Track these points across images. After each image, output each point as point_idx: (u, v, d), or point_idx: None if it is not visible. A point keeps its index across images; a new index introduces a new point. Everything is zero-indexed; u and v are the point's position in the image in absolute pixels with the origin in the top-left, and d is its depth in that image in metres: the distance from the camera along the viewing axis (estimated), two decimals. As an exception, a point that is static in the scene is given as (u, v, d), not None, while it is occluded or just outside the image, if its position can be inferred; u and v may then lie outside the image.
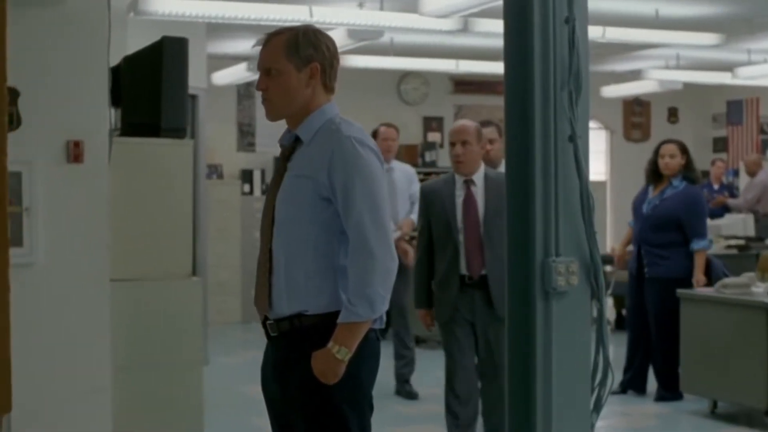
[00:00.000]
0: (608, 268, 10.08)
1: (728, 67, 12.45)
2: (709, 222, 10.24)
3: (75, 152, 4.60)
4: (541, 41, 2.57)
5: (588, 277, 2.67)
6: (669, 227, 7.24)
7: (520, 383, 2.69)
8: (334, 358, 3.02)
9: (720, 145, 15.64)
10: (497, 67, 10.55)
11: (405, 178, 7.71)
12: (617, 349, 7.94)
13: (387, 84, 13.65)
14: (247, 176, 12.39)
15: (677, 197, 7.28)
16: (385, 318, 3.18)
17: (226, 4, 7.69)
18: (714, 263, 7.52)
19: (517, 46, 2.62)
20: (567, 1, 2.58)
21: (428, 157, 13.47)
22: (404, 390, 7.53)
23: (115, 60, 5.02)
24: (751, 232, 11.18)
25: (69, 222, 4.62)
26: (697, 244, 7.21)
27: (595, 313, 2.71)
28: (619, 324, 10.71)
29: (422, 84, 13.97)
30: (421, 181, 7.47)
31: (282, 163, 3.21)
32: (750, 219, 11.54)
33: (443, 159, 12.85)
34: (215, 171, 12.39)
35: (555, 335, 2.63)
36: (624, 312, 10.78)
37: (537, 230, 2.60)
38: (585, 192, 2.63)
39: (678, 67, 12.78)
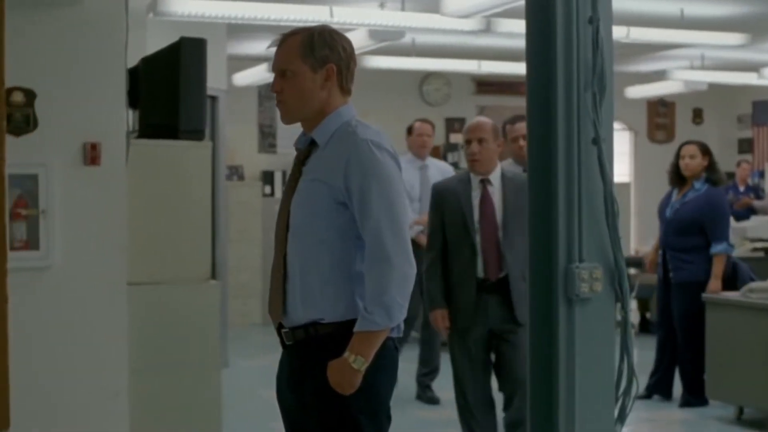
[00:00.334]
0: (632, 270, 10.02)
1: (754, 67, 12.35)
2: (735, 224, 10.15)
3: (92, 154, 4.57)
4: (564, 42, 2.53)
5: (612, 284, 2.63)
6: (691, 231, 7.15)
7: (542, 392, 2.66)
8: (351, 368, 2.95)
9: (745, 146, 15.51)
10: (520, 68, 10.46)
11: (441, 174, 7.49)
12: (640, 353, 7.84)
13: (409, 85, 13.59)
14: (268, 178, 12.36)
15: (699, 200, 7.19)
16: (403, 326, 3.10)
17: (246, 4, 7.64)
18: (740, 267, 7.41)
19: (540, 46, 2.58)
20: (591, 0, 2.53)
21: (450, 158, 13.40)
22: (425, 395, 7.46)
23: (134, 61, 4.98)
24: (778, 234, 11.05)
25: (86, 225, 4.59)
26: (715, 248, 7.10)
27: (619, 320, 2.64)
28: (643, 327, 10.63)
29: (444, 85, 13.91)
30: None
31: (297, 167, 3.14)
32: (776, 221, 11.41)
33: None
34: (236, 172, 12.36)
35: (578, 343, 2.59)
36: (648, 315, 10.74)
37: (560, 235, 2.56)
38: (609, 196, 2.60)
39: (703, 68, 12.68)
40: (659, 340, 7.56)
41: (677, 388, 7.42)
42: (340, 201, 3.01)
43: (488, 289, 5.08)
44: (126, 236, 4.64)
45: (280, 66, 3.11)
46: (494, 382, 5.28)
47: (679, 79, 12.44)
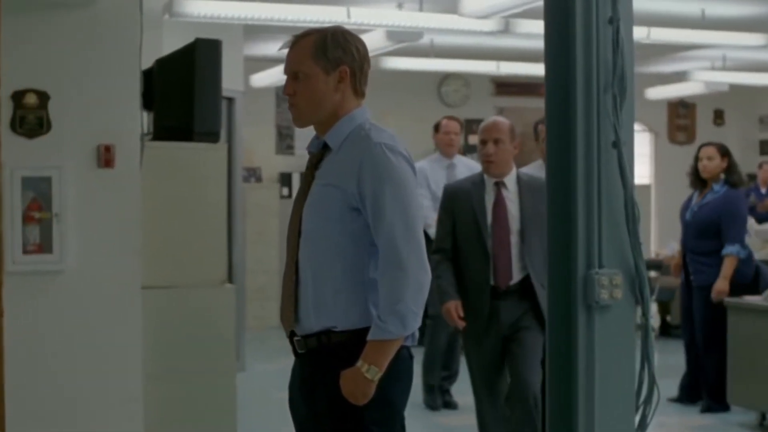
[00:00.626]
0: (652, 273, 9.95)
1: (776, 68, 12.26)
2: (757, 227, 10.07)
3: (106, 157, 4.56)
4: (583, 43, 2.48)
5: (633, 290, 2.58)
6: (710, 234, 7.08)
7: (561, 401, 2.62)
8: (364, 377, 2.88)
9: (767, 147, 15.40)
10: (539, 69, 10.41)
11: (469, 173, 7.35)
12: (661, 356, 7.77)
13: (427, 86, 13.54)
14: (285, 179, 12.34)
15: (716, 202, 7.12)
16: (417, 335, 3.04)
17: (262, 5, 7.60)
18: (762, 270, 7.33)
19: (559, 47, 2.54)
20: (611, 0, 2.49)
21: (468, 160, 13.35)
22: (443, 400, 7.39)
23: (150, 62, 4.95)
24: (801, 237, 10.95)
25: (100, 228, 4.57)
26: (726, 249, 7.02)
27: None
28: (664, 330, 10.56)
29: (463, 86, 13.86)
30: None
31: (309, 171, 3.08)
32: (800, 223, 11.31)
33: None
34: (253, 174, 12.34)
35: (598, 351, 2.54)
36: (669, 318, 10.67)
37: (579, 241, 2.52)
38: (630, 201, 2.55)
39: (724, 68, 12.60)
40: (685, 345, 7.49)
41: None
42: (353, 206, 2.95)
43: (499, 296, 4.87)
44: (140, 239, 4.62)
45: (292, 68, 3.05)
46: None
47: (700, 80, 12.37)
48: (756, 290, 7.04)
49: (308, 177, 3.08)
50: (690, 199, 7.37)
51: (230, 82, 7.73)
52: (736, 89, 13.33)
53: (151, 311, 4.69)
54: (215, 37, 5.00)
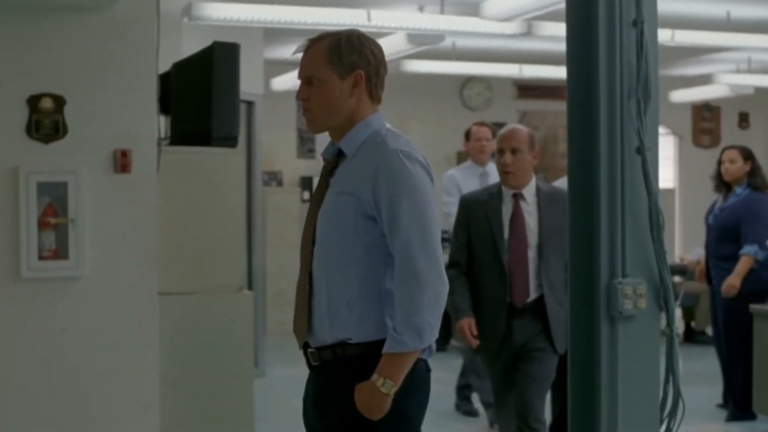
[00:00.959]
0: (676, 278, 9.86)
1: (802, 70, 12.17)
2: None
3: (122, 162, 4.52)
4: (606, 46, 2.45)
5: (657, 300, 2.55)
6: (730, 238, 7.00)
7: (583, 414, 2.60)
8: (379, 391, 2.81)
9: (793, 151, 15.27)
10: (563, 72, 10.35)
11: None
12: (685, 363, 7.69)
13: (449, 89, 13.48)
14: (306, 183, 12.30)
15: (737, 205, 7.05)
16: (435, 347, 2.96)
17: (281, 8, 7.57)
18: (788, 276, 7.23)
19: (581, 51, 2.52)
20: (635, 2, 2.45)
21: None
22: (464, 407, 7.32)
23: (168, 66, 4.91)
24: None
25: (116, 234, 4.54)
26: (744, 249, 6.93)
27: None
28: (688, 337, 10.46)
29: (485, 89, 13.78)
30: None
31: (324, 178, 3.02)
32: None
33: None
34: (274, 178, 12.31)
35: (621, 362, 2.51)
36: (693, 324, 10.57)
37: (602, 249, 2.49)
38: (654, 208, 2.52)
39: (750, 71, 12.51)
40: (717, 352, 7.40)
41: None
42: (368, 215, 2.88)
43: (514, 314, 4.65)
44: (157, 245, 4.59)
45: (306, 73, 2.98)
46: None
47: (725, 83, 12.31)
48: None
49: (322, 184, 3.01)
50: (715, 204, 7.30)
51: (250, 85, 7.70)
52: (761, 92, 13.24)
53: (168, 318, 4.65)
54: (235, 41, 4.97)
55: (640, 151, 2.46)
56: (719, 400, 7.36)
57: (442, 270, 2.86)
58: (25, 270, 4.39)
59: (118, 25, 4.52)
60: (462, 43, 10.70)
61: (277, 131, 12.05)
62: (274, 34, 9.36)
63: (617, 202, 2.46)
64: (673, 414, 2.57)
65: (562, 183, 5.65)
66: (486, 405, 6.85)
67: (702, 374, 7.62)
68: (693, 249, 10.81)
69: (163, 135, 4.87)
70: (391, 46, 8.95)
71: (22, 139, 4.43)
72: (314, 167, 12.56)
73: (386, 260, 2.88)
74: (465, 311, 4.73)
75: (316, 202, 3.00)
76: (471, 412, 7.28)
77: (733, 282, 6.86)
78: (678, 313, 10.15)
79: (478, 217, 4.76)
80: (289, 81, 11.62)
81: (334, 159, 3.02)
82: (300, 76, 3.00)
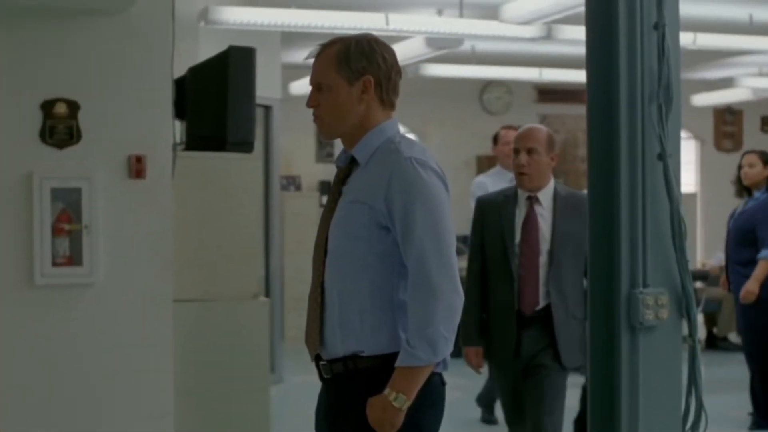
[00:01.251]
0: (698, 284, 9.77)
1: (825, 74, 12.08)
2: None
3: (137, 167, 4.49)
4: (627, 49, 2.39)
5: (679, 310, 2.48)
6: (747, 242, 6.93)
7: (604, 426, 2.52)
8: (391, 406, 2.75)
9: (816, 155, 15.14)
10: (583, 76, 10.28)
11: None
12: (707, 370, 7.57)
13: (469, 93, 13.44)
14: (325, 188, 12.26)
15: (755, 209, 6.99)
16: (449, 360, 2.89)
17: (298, 12, 7.53)
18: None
19: (601, 54, 2.45)
20: (656, 5, 2.40)
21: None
22: (485, 415, 7.24)
23: (184, 71, 4.88)
24: None
25: (130, 240, 4.51)
26: (760, 254, 6.84)
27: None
28: (710, 343, 10.37)
29: (505, 93, 13.73)
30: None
31: (336, 186, 2.96)
32: None
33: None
34: (293, 183, 12.28)
35: (642, 374, 2.46)
36: (715, 330, 10.48)
37: (622, 258, 2.43)
38: (676, 216, 2.46)
39: (772, 75, 12.46)
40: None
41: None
42: (382, 225, 2.82)
43: (523, 323, 4.47)
44: (172, 252, 4.55)
45: (316, 79, 2.94)
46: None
47: (747, 87, 12.28)
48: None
49: (335, 193, 2.95)
50: (736, 208, 7.24)
51: (267, 89, 7.66)
52: (784, 96, 13.17)
53: (182, 325, 4.61)
54: (252, 45, 4.94)
55: (661, 157, 2.40)
56: (742, 407, 7.27)
57: (457, 280, 2.79)
58: (39, 276, 4.36)
59: (133, 30, 4.48)
60: (481, 46, 10.66)
61: (296, 136, 12.02)
62: (292, 37, 9.34)
63: (638, 210, 2.40)
64: (695, 427, 2.51)
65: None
66: None
67: (724, 381, 7.53)
68: (715, 254, 10.72)
69: (178, 140, 4.83)
70: (409, 50, 8.91)
71: (35, 144, 4.41)
72: (333, 172, 12.45)
73: (400, 270, 2.82)
74: (473, 339, 4.58)
75: (328, 210, 2.94)
76: (491, 422, 7.21)
77: (751, 287, 6.78)
78: (699, 318, 10.05)
79: (491, 219, 4.60)
80: (306, 85, 11.57)
81: (347, 167, 2.96)
82: (311, 82, 2.97)
